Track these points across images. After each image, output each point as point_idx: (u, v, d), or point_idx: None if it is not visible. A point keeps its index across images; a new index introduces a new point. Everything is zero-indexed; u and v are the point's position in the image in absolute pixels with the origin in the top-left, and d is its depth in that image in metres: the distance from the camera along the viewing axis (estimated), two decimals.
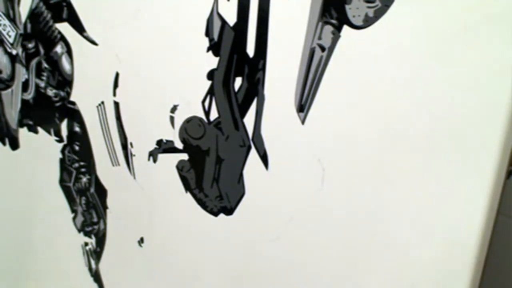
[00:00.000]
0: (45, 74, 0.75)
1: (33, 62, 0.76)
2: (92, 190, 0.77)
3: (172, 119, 0.64)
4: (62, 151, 0.78)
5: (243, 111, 0.57)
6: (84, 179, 0.77)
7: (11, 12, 0.76)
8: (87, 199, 0.78)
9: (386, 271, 0.52)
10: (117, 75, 0.68)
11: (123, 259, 0.76)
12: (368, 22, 0.46)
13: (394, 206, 0.50)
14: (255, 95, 0.56)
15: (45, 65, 0.75)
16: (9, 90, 0.81)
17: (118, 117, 0.70)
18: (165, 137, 0.65)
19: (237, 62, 0.56)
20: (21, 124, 0.82)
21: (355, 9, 0.47)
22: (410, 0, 0.44)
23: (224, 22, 0.56)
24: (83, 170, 0.77)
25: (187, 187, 0.65)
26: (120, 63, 0.67)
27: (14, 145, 0.84)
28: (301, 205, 0.56)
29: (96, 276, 0.80)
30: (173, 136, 0.64)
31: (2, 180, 0.90)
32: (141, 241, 0.73)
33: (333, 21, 0.48)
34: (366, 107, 0.49)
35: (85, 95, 0.73)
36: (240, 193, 0.61)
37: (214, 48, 0.57)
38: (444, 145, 0.45)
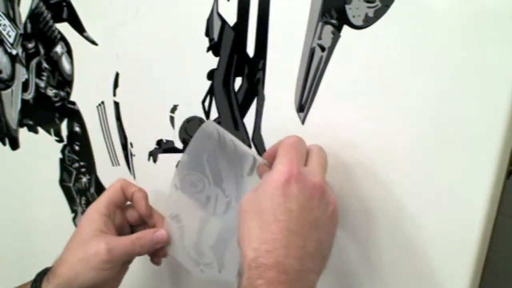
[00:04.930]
0: (45, 74, 0.75)
1: (33, 62, 0.76)
2: (92, 190, 0.77)
3: (172, 119, 0.64)
4: (62, 151, 0.78)
5: (243, 111, 0.57)
6: (84, 179, 0.77)
7: (11, 12, 0.76)
8: (87, 199, 0.78)
9: (385, 271, 0.52)
10: (117, 75, 0.68)
11: None
12: (368, 22, 0.46)
13: (394, 206, 0.50)
14: (255, 95, 0.56)
15: (45, 65, 0.75)
16: (9, 90, 0.81)
17: (118, 117, 0.70)
18: (165, 137, 0.65)
19: (237, 62, 0.56)
20: (21, 124, 0.82)
21: (355, 9, 0.47)
22: (410, 0, 0.44)
23: (224, 22, 0.56)
24: (83, 170, 0.77)
25: None
26: (120, 63, 0.67)
27: (14, 145, 0.84)
28: None
29: None
30: (173, 136, 0.64)
31: (2, 180, 0.90)
32: None
33: (333, 21, 0.48)
34: (366, 107, 0.49)
35: (85, 95, 0.73)
36: None
37: (214, 48, 0.57)
38: (444, 145, 0.45)
